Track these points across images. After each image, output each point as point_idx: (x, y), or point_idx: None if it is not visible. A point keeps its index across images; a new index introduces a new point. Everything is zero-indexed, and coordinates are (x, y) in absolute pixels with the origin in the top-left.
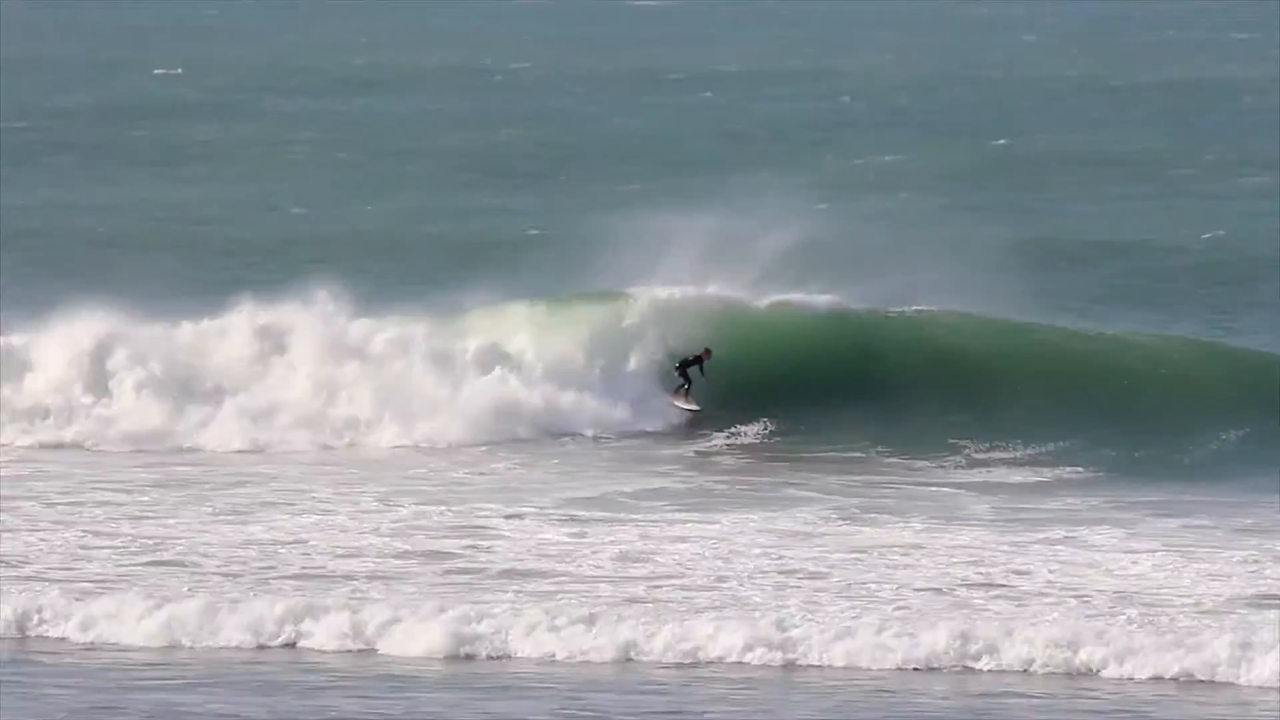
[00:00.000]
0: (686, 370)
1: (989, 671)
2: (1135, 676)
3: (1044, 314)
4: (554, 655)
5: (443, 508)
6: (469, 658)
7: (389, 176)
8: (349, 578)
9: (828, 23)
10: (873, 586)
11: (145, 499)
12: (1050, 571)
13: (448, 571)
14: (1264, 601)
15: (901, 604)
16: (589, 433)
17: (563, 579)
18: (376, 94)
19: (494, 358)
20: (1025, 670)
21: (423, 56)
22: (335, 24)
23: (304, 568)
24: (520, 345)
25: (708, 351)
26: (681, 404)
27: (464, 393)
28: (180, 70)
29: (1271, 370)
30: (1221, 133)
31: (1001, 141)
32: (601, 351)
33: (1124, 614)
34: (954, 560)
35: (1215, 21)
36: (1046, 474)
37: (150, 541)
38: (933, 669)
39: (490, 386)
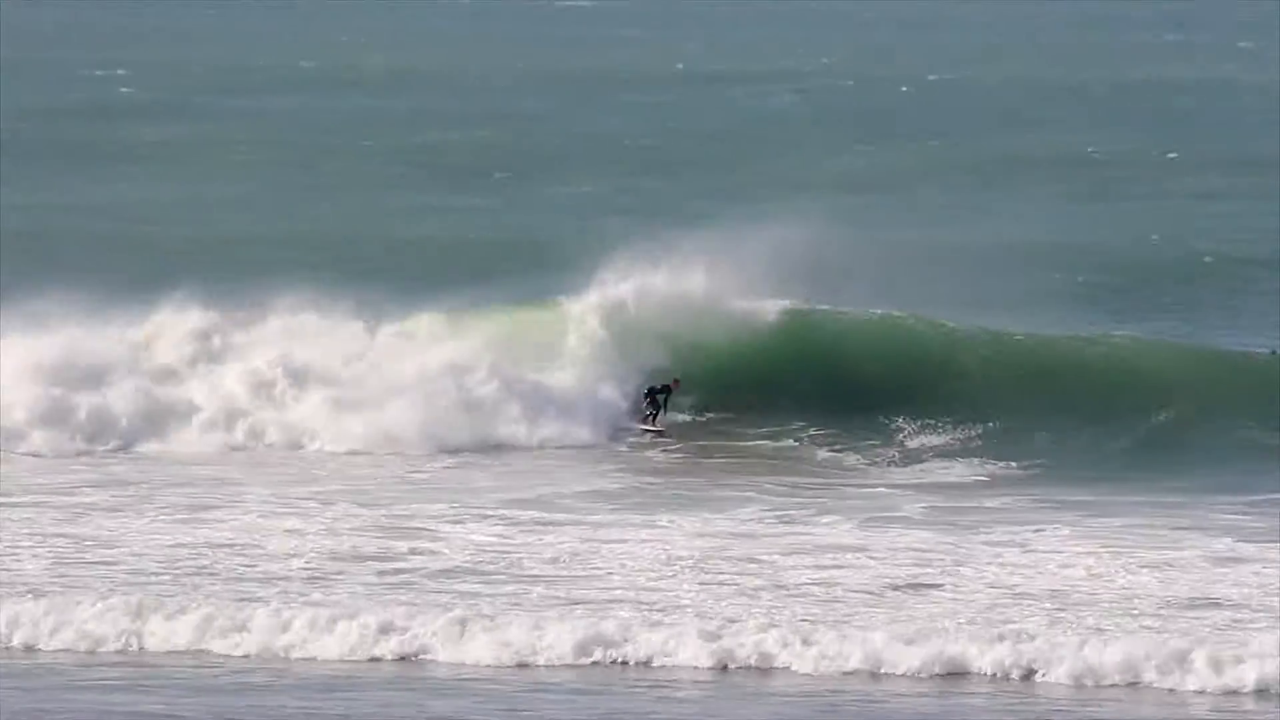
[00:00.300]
0: (655, 398)
1: (931, 676)
2: (1074, 680)
3: (987, 314)
4: (494, 658)
5: (381, 510)
6: (406, 659)
7: (339, 177)
8: (285, 579)
9: (779, 23)
10: (812, 588)
11: (85, 500)
12: (990, 572)
13: (383, 573)
14: (1199, 603)
15: (841, 606)
16: (536, 442)
17: (500, 580)
18: (325, 94)
19: (439, 363)
20: (964, 673)
21: (373, 57)
22: (289, 25)
23: (239, 568)
24: (464, 351)
25: (676, 382)
26: (646, 427)
27: (407, 397)
28: (121, 71)
29: (1213, 366)
30: (1169, 134)
31: (940, 143)
32: (547, 358)
33: (1062, 616)
34: (894, 562)
35: (1160, 23)
36: (986, 473)
37: (88, 543)
38: (876, 672)
39: (434, 391)
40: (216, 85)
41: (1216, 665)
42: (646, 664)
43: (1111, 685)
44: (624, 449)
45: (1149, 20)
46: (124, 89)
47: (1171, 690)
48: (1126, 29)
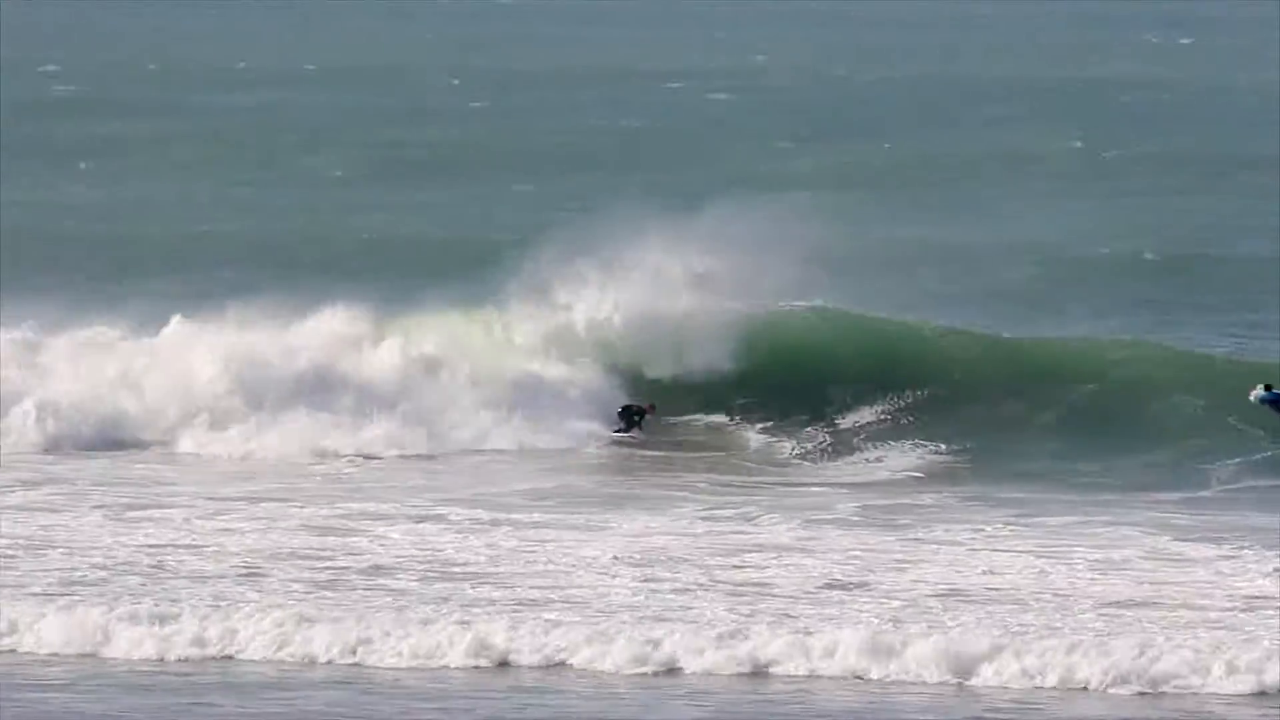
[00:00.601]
0: (631, 416)
1: (867, 677)
2: (1011, 680)
3: (924, 310)
4: (429, 657)
5: (316, 509)
6: (342, 658)
7: (293, 174)
8: (219, 578)
9: (732, 20)
10: (748, 587)
11: (15, 499)
12: (926, 572)
13: (316, 571)
14: (1137, 603)
15: (777, 604)
16: (502, 445)
17: (434, 579)
18: (269, 91)
19: (399, 366)
20: (901, 673)
21: (325, 55)
22: (246, 22)
23: (173, 566)
24: (425, 354)
25: (651, 407)
26: (621, 436)
27: (360, 399)
28: (54, 67)
29: (1152, 362)
30: (1111, 132)
31: (874, 142)
32: (501, 361)
33: (999, 616)
34: (831, 560)
35: (1115, 21)
36: (923, 467)
37: (21, 542)
38: (812, 672)
39: (400, 397)
40: (159, 82)
41: (1154, 665)
42: (583, 664)
43: (1049, 686)
44: (569, 455)
45: (1084, 18)
46: (59, 86)
47: (1108, 690)
48: (1096, 27)
